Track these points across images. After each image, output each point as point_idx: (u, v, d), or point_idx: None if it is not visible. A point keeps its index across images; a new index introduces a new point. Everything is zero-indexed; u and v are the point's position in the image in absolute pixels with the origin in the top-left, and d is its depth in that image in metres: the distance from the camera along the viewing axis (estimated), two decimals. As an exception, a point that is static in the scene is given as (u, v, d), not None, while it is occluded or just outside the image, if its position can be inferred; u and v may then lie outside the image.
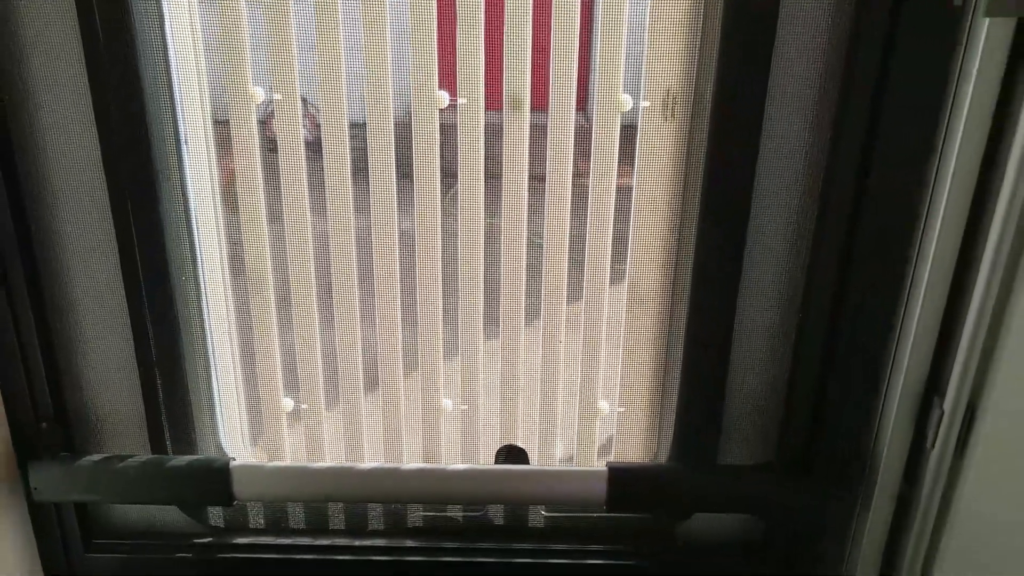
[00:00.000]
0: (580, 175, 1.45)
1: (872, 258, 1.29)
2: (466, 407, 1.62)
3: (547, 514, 1.61)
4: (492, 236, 1.50)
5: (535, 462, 1.62)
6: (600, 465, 1.44)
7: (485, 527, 1.62)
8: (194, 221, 1.43)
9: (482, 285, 1.53)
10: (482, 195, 1.46)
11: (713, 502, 1.49)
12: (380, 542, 1.60)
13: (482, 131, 1.42)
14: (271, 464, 1.45)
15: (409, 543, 1.59)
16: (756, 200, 1.32)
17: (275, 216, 1.48)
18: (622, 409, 1.59)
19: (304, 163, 1.44)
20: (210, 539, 1.59)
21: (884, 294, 1.29)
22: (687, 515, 1.57)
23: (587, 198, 1.46)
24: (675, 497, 1.47)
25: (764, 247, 1.36)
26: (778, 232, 1.35)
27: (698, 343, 1.43)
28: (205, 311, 1.49)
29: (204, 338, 1.49)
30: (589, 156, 1.43)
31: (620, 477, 1.41)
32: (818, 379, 1.40)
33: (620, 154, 1.44)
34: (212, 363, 1.52)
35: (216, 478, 1.40)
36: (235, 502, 1.43)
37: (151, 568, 1.58)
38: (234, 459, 1.42)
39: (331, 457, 1.66)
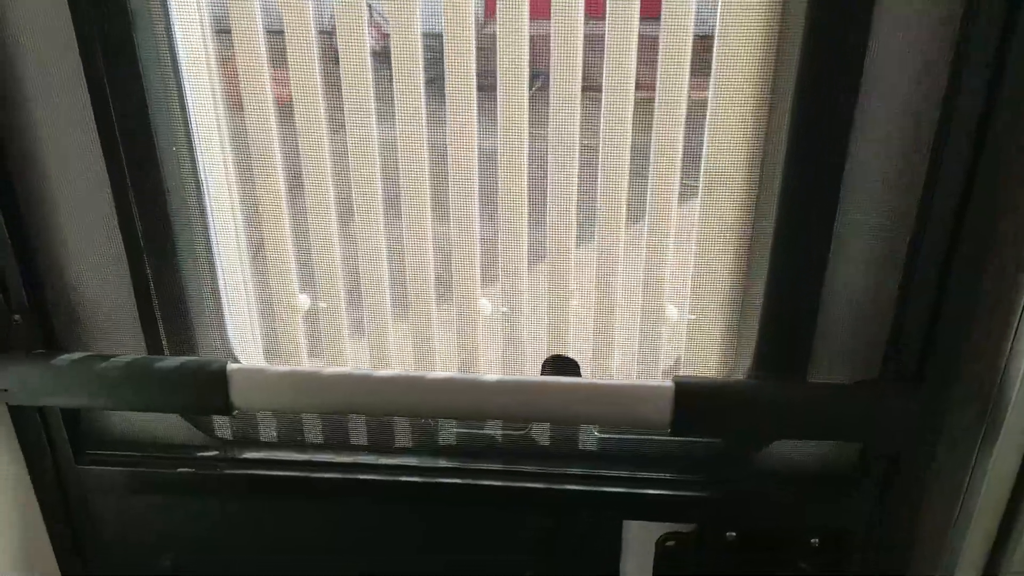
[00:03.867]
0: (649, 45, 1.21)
1: (1010, 137, 1.05)
2: (508, 310, 1.42)
3: (600, 435, 1.44)
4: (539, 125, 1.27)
5: (587, 376, 1.42)
6: (665, 380, 1.24)
7: (528, 448, 1.45)
8: (185, 84, 1.24)
9: (526, 170, 1.31)
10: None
11: (800, 426, 1.28)
12: (409, 460, 1.44)
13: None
14: (276, 368, 1.26)
15: (441, 463, 1.43)
16: (868, 71, 1.10)
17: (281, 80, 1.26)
18: (693, 317, 1.39)
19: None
20: (216, 452, 1.45)
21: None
22: (766, 442, 1.37)
23: (659, 67, 1.21)
24: (754, 420, 1.27)
25: (879, 120, 1.13)
26: (897, 104, 1.12)
27: (790, 239, 1.22)
28: (205, 190, 1.31)
29: (204, 221, 1.32)
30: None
31: (688, 394, 1.22)
32: (939, 281, 1.18)
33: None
34: (215, 251, 1.33)
35: (212, 383, 1.22)
36: (235, 412, 1.24)
37: (149, 482, 1.44)
38: (233, 362, 1.24)
39: (353, 364, 1.47)
